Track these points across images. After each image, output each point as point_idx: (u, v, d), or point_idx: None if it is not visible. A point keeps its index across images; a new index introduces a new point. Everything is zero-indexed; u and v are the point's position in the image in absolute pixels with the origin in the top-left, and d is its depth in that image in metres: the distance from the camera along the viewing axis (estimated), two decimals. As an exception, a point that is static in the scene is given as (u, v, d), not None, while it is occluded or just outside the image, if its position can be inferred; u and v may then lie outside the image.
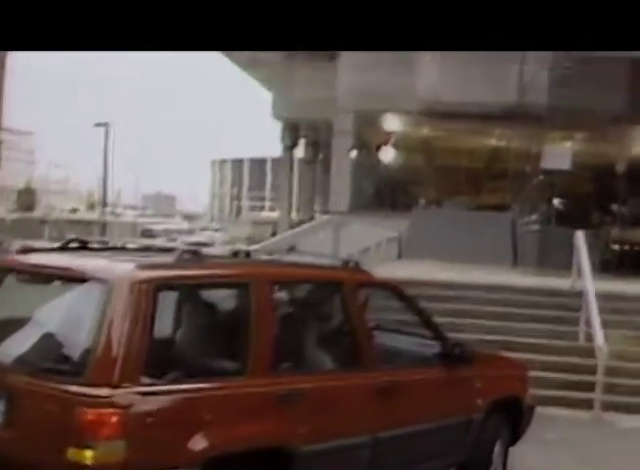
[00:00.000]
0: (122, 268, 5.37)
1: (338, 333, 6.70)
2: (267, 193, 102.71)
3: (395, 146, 31.98)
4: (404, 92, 24.97)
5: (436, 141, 31.86)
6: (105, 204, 59.86)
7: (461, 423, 7.28)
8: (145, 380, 4.98)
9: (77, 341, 5.09)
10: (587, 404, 11.85)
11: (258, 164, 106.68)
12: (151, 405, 4.98)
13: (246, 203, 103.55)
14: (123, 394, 4.85)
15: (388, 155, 32.76)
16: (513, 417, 7.96)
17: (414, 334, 7.50)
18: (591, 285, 12.40)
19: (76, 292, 5.38)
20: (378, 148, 32.33)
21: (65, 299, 5.43)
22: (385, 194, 32.23)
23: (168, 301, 5.59)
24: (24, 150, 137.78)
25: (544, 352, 12.59)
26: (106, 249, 6.57)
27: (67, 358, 5.06)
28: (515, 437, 8.06)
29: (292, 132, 33.33)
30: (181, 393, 5.17)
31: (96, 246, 6.51)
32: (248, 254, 7.07)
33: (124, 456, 4.80)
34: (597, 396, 11.77)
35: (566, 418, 11.41)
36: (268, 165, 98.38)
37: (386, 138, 31.03)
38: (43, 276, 5.73)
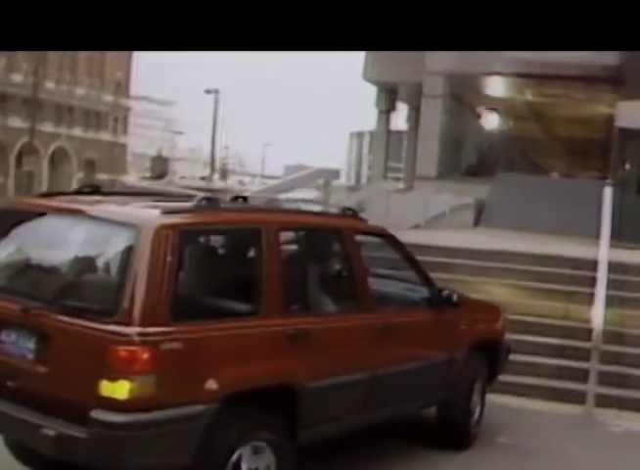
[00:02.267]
0: (148, 214, 5.63)
1: (339, 277, 7.06)
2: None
3: (496, 111, 30.34)
4: (495, 52, 23.20)
5: (541, 107, 29.90)
6: (212, 170, 59.68)
7: (446, 362, 7.67)
8: (170, 320, 5.24)
9: (108, 283, 5.41)
10: (579, 398, 9.72)
11: (396, 135, 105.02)
12: (176, 344, 5.24)
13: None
14: (153, 332, 5.14)
15: (490, 121, 31.10)
16: (491, 358, 8.38)
17: (405, 280, 7.87)
18: (605, 253, 10.57)
19: (104, 236, 5.68)
20: (478, 114, 30.73)
21: (92, 242, 5.78)
22: (482, 161, 30.50)
23: (190, 245, 5.79)
24: (165, 119, 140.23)
25: (542, 333, 10.79)
26: (121, 193, 6.94)
27: (98, 299, 5.33)
28: (491, 377, 8.51)
29: (387, 96, 31.64)
30: (203, 332, 5.43)
31: (106, 190, 6.83)
32: (245, 198, 7.40)
33: (153, 391, 5.08)
34: (590, 387, 9.59)
35: (549, 414, 9.46)
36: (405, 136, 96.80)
37: (485, 103, 29.40)
38: (70, 220, 5.97)
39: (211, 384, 5.37)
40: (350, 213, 7.31)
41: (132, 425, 5.03)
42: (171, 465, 5.36)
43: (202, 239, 6.15)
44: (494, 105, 29.65)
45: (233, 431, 5.55)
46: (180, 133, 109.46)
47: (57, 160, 70.12)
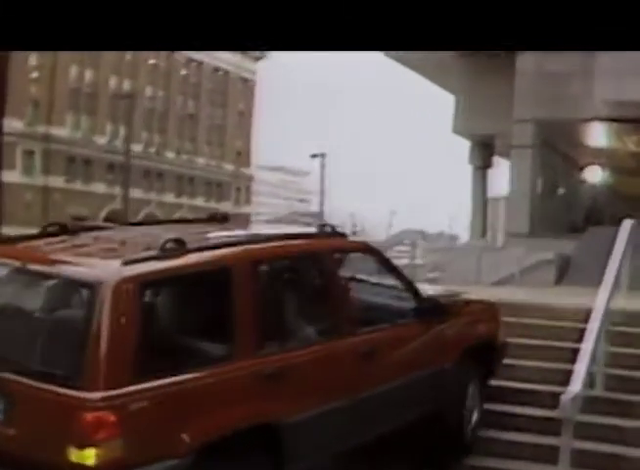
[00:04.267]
0: (108, 267, 5.52)
1: (318, 302, 6.80)
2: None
3: (596, 162, 27.85)
4: (582, 94, 21.02)
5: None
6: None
7: (436, 373, 7.51)
8: (137, 378, 5.17)
9: (70, 346, 5.27)
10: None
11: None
12: (144, 403, 5.18)
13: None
14: (118, 395, 5.07)
15: (591, 173, 28.59)
16: (486, 358, 8.23)
17: (389, 292, 7.58)
18: (604, 300, 8.43)
19: (64, 293, 5.63)
20: (577, 166, 28.30)
21: (52, 300, 5.67)
22: (586, 217, 27.96)
23: (153, 295, 5.68)
24: (297, 189, 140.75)
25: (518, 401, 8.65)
26: (88, 228, 6.80)
27: (61, 363, 5.24)
28: (488, 374, 8.36)
29: (482, 150, 29.38)
30: (172, 386, 5.34)
31: (77, 227, 6.72)
32: (225, 217, 7.38)
33: (122, 453, 5.04)
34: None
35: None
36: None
37: (582, 153, 27.00)
38: (31, 276, 5.85)
39: (184, 437, 5.30)
40: (329, 230, 7.05)
41: None
42: None
43: (167, 287, 5.88)
44: (593, 155, 27.17)
45: None
46: (303, 201, 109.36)
47: (178, 230, 70.36)
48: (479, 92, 25.52)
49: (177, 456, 5.23)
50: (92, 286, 5.26)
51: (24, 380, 5.25)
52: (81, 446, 4.98)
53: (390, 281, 7.47)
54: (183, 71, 69.80)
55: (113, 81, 63.85)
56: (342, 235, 7.29)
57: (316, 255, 6.78)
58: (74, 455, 4.99)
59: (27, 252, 6.15)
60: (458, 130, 28.09)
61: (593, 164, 28.03)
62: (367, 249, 7.47)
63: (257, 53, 71.75)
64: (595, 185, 29.03)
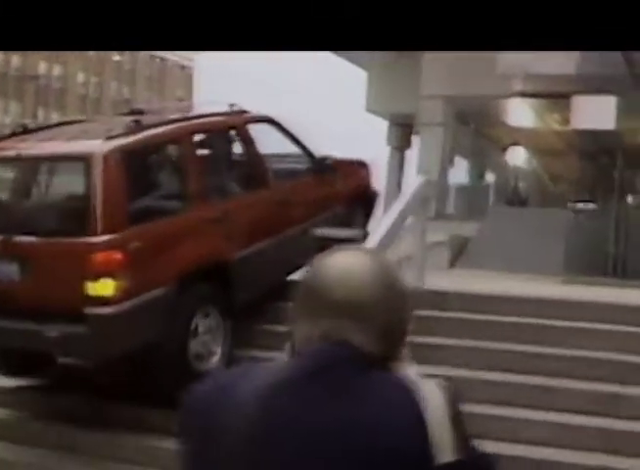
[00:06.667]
0: (94, 143, 6.98)
1: (241, 163, 8.72)
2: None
3: (519, 143, 26.27)
4: (481, 69, 19.32)
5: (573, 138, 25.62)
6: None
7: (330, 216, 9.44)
8: (128, 225, 6.73)
9: (74, 205, 6.96)
10: None
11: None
12: (137, 242, 6.71)
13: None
14: (118, 238, 6.58)
15: (516, 156, 27.04)
16: (365, 200, 10.38)
17: (291, 156, 9.55)
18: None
19: (61, 168, 7.50)
20: (504, 148, 26.68)
21: (50, 175, 7.50)
22: (509, 199, 26.48)
23: (131, 161, 7.05)
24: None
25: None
26: (51, 127, 8.38)
27: (68, 220, 6.93)
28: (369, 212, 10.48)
29: (400, 130, 26.89)
30: (153, 228, 7.08)
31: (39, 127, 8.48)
32: (141, 111, 8.90)
33: (129, 283, 6.51)
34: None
35: None
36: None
37: (501, 133, 25.45)
38: (25, 161, 7.40)
39: (167, 270, 6.96)
40: (237, 109, 8.73)
41: (120, 314, 6.46)
42: (152, 338, 6.80)
43: (139, 155, 7.45)
44: (514, 135, 25.56)
45: (190, 304, 7.15)
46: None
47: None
48: (394, 68, 23.71)
49: (163, 285, 6.86)
50: (86, 158, 6.76)
51: (38, 239, 6.73)
52: (96, 279, 6.30)
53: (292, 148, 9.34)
54: (116, 58, 67.65)
55: (42, 66, 61.56)
56: (247, 112, 8.95)
57: (233, 127, 8.64)
58: (91, 288, 6.32)
59: (21, 143, 7.47)
60: (372, 109, 26.21)
61: (515, 144, 26.45)
62: (269, 119, 9.15)
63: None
64: (518, 167, 27.51)
